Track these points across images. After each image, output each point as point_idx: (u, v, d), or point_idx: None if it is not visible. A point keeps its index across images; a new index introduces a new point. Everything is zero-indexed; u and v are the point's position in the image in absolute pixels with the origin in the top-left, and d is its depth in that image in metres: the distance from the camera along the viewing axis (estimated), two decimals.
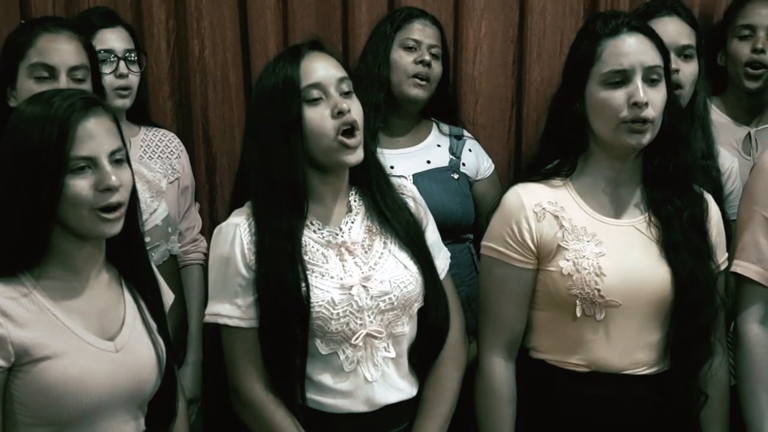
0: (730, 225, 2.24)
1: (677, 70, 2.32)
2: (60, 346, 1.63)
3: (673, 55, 2.29)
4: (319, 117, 1.86)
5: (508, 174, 2.78)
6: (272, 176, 1.88)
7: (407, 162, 2.56)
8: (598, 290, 1.88)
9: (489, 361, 2.01)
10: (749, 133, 2.64)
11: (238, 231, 1.90)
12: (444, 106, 2.68)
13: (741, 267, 2.06)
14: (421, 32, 2.55)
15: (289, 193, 1.88)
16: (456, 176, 2.59)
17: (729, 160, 2.46)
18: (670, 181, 1.96)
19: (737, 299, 2.09)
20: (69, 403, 1.62)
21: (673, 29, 2.35)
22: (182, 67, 2.78)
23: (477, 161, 2.65)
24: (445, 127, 2.68)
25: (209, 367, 2.51)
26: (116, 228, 1.68)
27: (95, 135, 1.65)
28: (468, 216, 2.57)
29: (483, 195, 2.58)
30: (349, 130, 1.87)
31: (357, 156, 1.89)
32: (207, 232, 2.62)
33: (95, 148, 1.64)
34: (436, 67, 2.56)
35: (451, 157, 2.61)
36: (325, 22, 2.78)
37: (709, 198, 2.04)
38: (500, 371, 2.00)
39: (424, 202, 2.09)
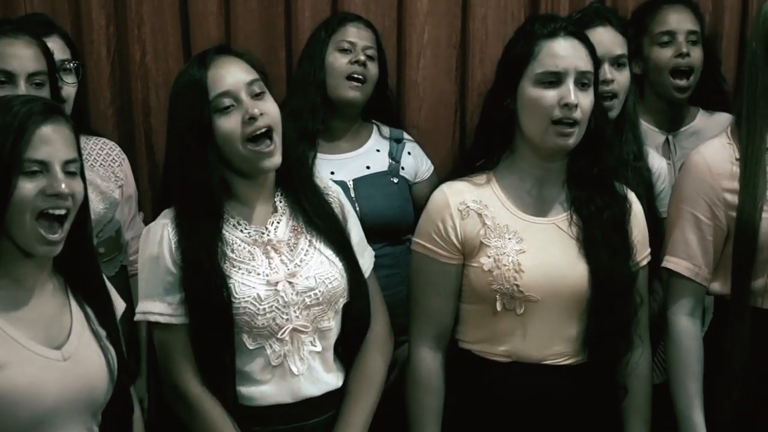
0: (662, 222, 2.29)
1: (612, 80, 2.36)
2: (6, 357, 1.60)
3: (607, 65, 2.36)
4: (229, 126, 1.88)
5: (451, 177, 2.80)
6: (188, 182, 1.91)
7: (347, 168, 2.58)
8: (517, 286, 1.94)
9: (417, 351, 2.06)
10: (668, 138, 2.68)
11: (165, 230, 1.92)
12: (384, 109, 2.70)
13: (671, 263, 2.12)
14: (355, 34, 2.57)
15: (205, 199, 1.90)
16: (395, 180, 2.61)
17: (658, 161, 2.51)
18: (594, 182, 2.02)
19: (668, 294, 2.15)
20: (19, 413, 1.59)
21: (608, 39, 2.38)
22: (123, 73, 2.76)
23: (416, 164, 2.67)
24: (386, 130, 2.70)
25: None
26: (56, 250, 1.67)
27: (52, 141, 1.63)
28: (407, 218, 2.59)
29: (423, 197, 2.55)
30: (263, 134, 1.89)
31: (273, 161, 1.91)
32: None
33: (50, 153, 1.62)
34: (372, 68, 2.58)
35: (390, 161, 2.64)
36: (268, 27, 2.79)
37: (633, 198, 2.09)
38: (428, 362, 2.06)
39: (347, 202, 2.12)
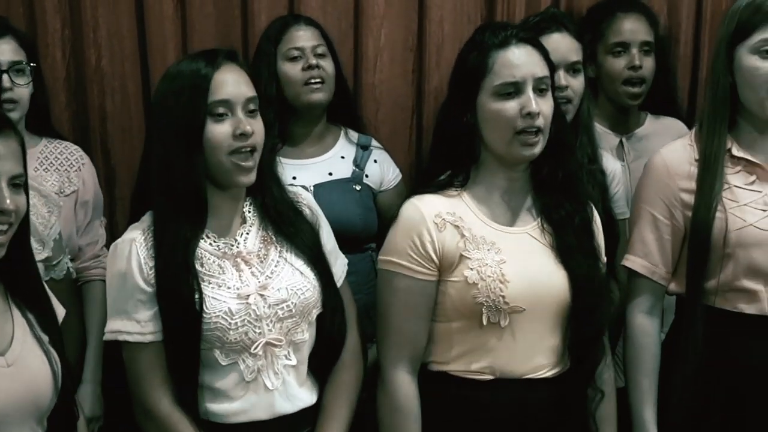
0: (617, 224, 2.32)
1: (566, 86, 2.38)
2: None
3: (562, 71, 2.37)
4: (220, 134, 1.85)
5: (411, 182, 2.79)
6: (173, 186, 1.86)
7: (308, 173, 2.55)
8: (503, 297, 1.90)
9: (393, 376, 1.98)
10: (621, 141, 2.71)
11: (134, 246, 1.88)
12: (345, 106, 2.67)
13: (629, 261, 2.15)
14: (300, 38, 2.54)
15: (190, 205, 1.87)
16: (358, 188, 2.59)
17: (612, 163, 2.53)
18: (560, 188, 2.00)
19: (628, 292, 2.19)
20: None
21: (564, 46, 2.40)
22: (78, 76, 2.74)
23: (382, 172, 2.65)
24: (354, 136, 2.67)
25: (109, 385, 2.47)
26: None
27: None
28: (369, 227, 2.58)
29: (389, 206, 2.56)
30: (248, 152, 1.87)
31: (250, 178, 1.89)
32: (108, 245, 2.57)
33: None
34: (327, 65, 2.55)
35: (354, 168, 2.61)
36: (225, 31, 2.77)
37: (591, 203, 2.11)
38: (406, 386, 1.98)
39: (319, 210, 2.09)
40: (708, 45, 2.86)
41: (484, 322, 1.91)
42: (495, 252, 1.93)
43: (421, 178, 2.11)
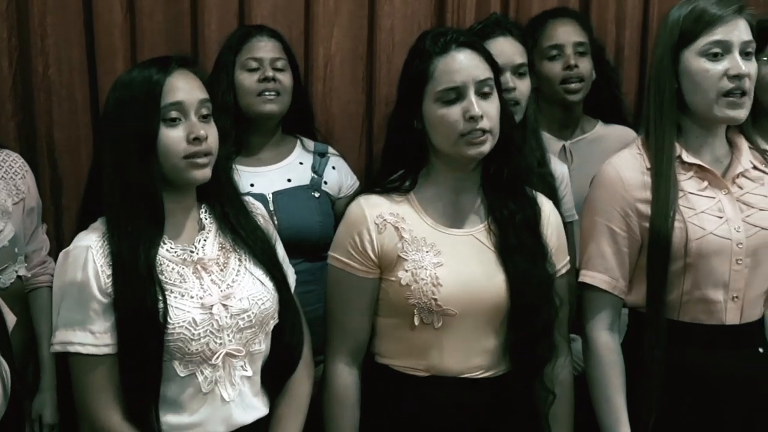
0: (566, 227, 2.30)
1: (514, 88, 2.39)
2: None
3: (509, 74, 2.38)
4: (173, 138, 1.83)
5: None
6: (128, 193, 1.83)
7: (267, 180, 2.54)
8: (435, 300, 1.91)
9: (333, 367, 2.03)
10: (564, 146, 2.73)
11: (90, 254, 1.81)
12: (302, 118, 2.67)
13: (588, 277, 2.10)
14: (261, 49, 2.54)
15: (145, 212, 1.83)
16: (317, 194, 2.58)
17: (560, 167, 2.55)
18: (505, 186, 2.01)
19: (585, 308, 2.13)
20: None
21: (509, 49, 2.41)
22: (25, 85, 2.70)
23: (340, 179, 2.64)
24: (310, 144, 2.66)
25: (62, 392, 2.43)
26: None
27: None
28: (328, 234, 2.51)
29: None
30: (201, 155, 1.85)
31: (204, 173, 1.87)
32: (54, 254, 2.53)
33: None
34: (285, 79, 2.55)
35: (312, 175, 2.60)
36: (175, 39, 2.76)
37: (546, 202, 2.10)
38: (344, 377, 2.02)
39: (269, 220, 2.09)
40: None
41: (416, 323, 1.94)
42: (434, 254, 1.95)
43: (373, 181, 2.11)
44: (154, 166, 1.82)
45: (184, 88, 1.85)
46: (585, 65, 2.69)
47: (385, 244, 1.96)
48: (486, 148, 1.93)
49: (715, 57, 2.00)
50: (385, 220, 1.97)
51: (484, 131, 1.91)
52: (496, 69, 2.01)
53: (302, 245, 2.41)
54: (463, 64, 1.93)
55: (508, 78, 2.38)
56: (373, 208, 1.98)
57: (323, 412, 2.05)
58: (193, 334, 1.81)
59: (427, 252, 1.95)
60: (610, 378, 2.07)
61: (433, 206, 2.00)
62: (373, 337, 2.04)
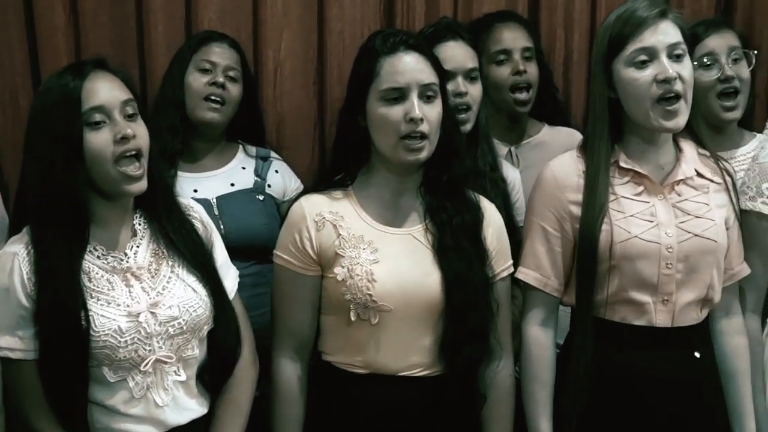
0: (519, 231, 2.33)
1: (465, 93, 2.41)
2: None
3: (460, 78, 2.40)
4: (100, 142, 1.82)
5: None
6: (51, 201, 1.82)
7: (210, 185, 2.53)
8: (370, 295, 1.96)
9: (278, 362, 2.08)
10: (510, 150, 2.74)
11: (16, 261, 1.83)
12: (250, 129, 2.67)
13: (522, 273, 2.16)
14: (218, 54, 2.54)
15: (69, 220, 1.83)
16: (261, 198, 2.58)
17: (512, 171, 2.57)
18: (445, 190, 2.05)
19: (524, 304, 2.19)
20: None
21: (460, 53, 2.43)
22: None
23: (284, 182, 2.65)
24: (252, 149, 2.67)
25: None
26: None
27: None
28: (275, 237, 2.52)
29: None
30: (133, 157, 1.84)
31: (140, 186, 1.86)
32: None
33: None
34: (233, 89, 2.55)
35: (256, 178, 2.61)
36: (121, 42, 2.72)
37: (489, 206, 2.13)
38: (288, 373, 2.07)
39: (212, 223, 2.09)
40: None
41: (353, 318, 1.97)
42: (371, 251, 1.99)
43: (319, 177, 2.17)
44: (80, 173, 1.82)
45: (104, 91, 1.85)
46: (532, 70, 2.71)
47: (323, 241, 2.01)
48: (423, 155, 1.97)
49: (642, 64, 2.02)
50: (323, 218, 2.02)
51: (422, 136, 1.95)
52: (443, 75, 2.04)
53: (251, 248, 2.42)
54: (409, 66, 1.97)
55: (459, 82, 2.39)
56: (313, 206, 2.03)
57: (270, 406, 2.10)
58: (120, 342, 1.82)
59: (364, 249, 1.99)
60: (537, 372, 2.14)
61: (373, 204, 2.05)
62: (319, 335, 2.08)
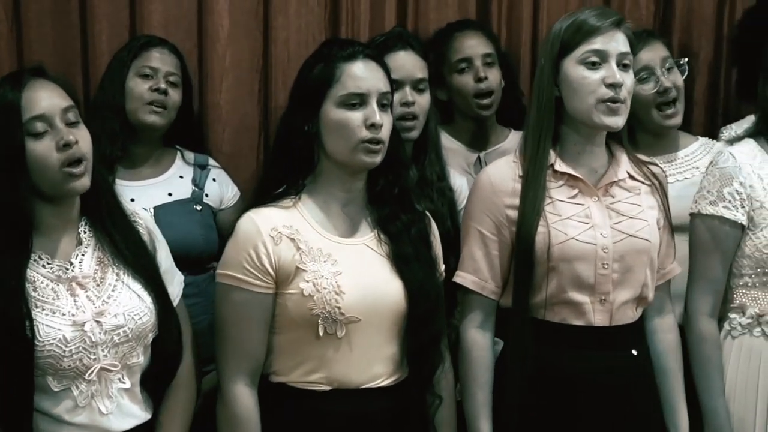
0: None
1: (413, 102, 2.44)
2: None
3: (408, 88, 2.43)
4: (43, 151, 1.81)
5: None
6: None
7: (147, 194, 2.53)
8: (339, 308, 1.93)
9: (232, 389, 1.98)
10: (479, 157, 2.78)
11: None
12: (188, 134, 2.67)
13: (460, 278, 2.18)
14: (158, 60, 2.54)
15: (13, 229, 1.82)
16: (198, 208, 2.59)
17: (459, 180, 2.60)
18: (396, 200, 2.06)
19: (461, 307, 2.22)
20: None
21: (409, 63, 2.46)
22: None
23: (221, 191, 2.65)
24: (190, 156, 2.67)
25: None
26: None
27: None
28: (211, 246, 2.56)
29: (228, 224, 2.49)
30: (75, 162, 1.83)
31: (83, 183, 1.85)
32: None
33: None
34: (174, 95, 2.55)
35: (193, 188, 2.61)
36: (64, 50, 2.70)
37: (428, 215, 2.16)
38: (244, 398, 1.98)
39: (157, 230, 2.08)
40: None
41: (321, 333, 1.94)
42: (331, 264, 1.96)
43: (258, 188, 2.12)
44: (24, 183, 1.81)
45: (44, 99, 1.84)
46: (494, 76, 2.74)
47: (282, 256, 1.95)
48: (379, 158, 1.98)
49: (593, 65, 2.07)
50: (279, 232, 1.96)
51: (379, 141, 1.96)
52: (393, 88, 2.06)
53: (186, 259, 2.39)
54: (369, 74, 1.98)
55: (407, 92, 2.43)
56: (266, 221, 1.97)
57: None
58: (65, 351, 1.81)
59: (324, 261, 1.96)
60: (476, 374, 2.16)
61: (322, 215, 2.02)
62: (267, 356, 2.01)
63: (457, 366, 2.19)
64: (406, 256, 2.02)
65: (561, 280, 2.10)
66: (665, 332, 2.27)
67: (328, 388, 1.97)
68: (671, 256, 2.27)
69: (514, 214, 2.12)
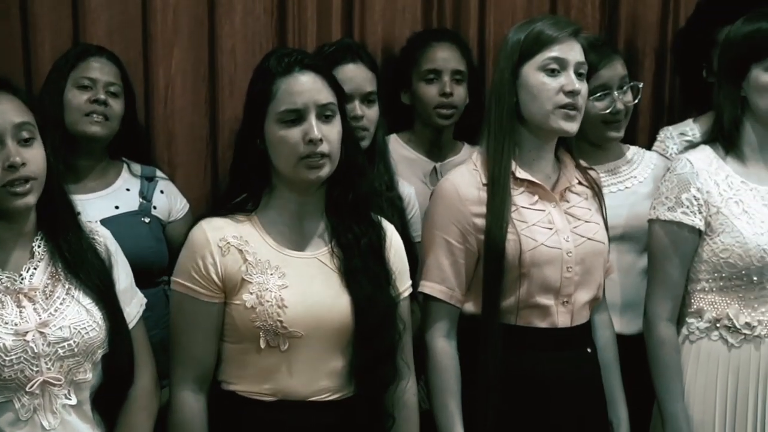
0: (415, 246, 2.37)
1: (362, 116, 2.44)
2: None
3: (357, 102, 2.43)
4: None
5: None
6: None
7: (94, 207, 2.48)
8: (281, 322, 1.92)
9: (179, 395, 2.00)
10: (435, 167, 2.79)
11: None
12: (134, 146, 2.64)
13: (427, 287, 2.20)
14: (97, 70, 2.50)
15: None
16: (147, 220, 2.55)
17: (407, 188, 2.61)
18: (350, 211, 2.05)
19: (425, 317, 2.22)
20: None
21: (359, 76, 2.46)
22: None
23: (169, 203, 2.62)
24: (137, 168, 2.63)
25: None
26: None
27: None
28: (161, 259, 2.53)
29: (178, 236, 2.50)
30: (20, 181, 1.80)
31: (26, 202, 1.83)
32: None
33: None
34: (115, 105, 2.51)
35: (141, 200, 2.57)
36: (5, 60, 2.64)
37: (389, 227, 2.14)
38: (191, 404, 1.99)
39: (118, 248, 2.05)
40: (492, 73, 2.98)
41: (263, 346, 1.94)
42: (278, 277, 1.96)
43: (217, 201, 2.12)
44: None
45: None
46: (460, 93, 2.76)
47: (228, 267, 1.95)
48: (324, 172, 1.96)
49: (552, 72, 2.12)
50: (228, 243, 1.96)
51: (322, 155, 1.94)
52: (341, 93, 2.04)
53: (136, 271, 2.36)
54: (306, 87, 1.96)
55: (356, 106, 2.43)
56: (216, 231, 1.98)
57: None
58: (5, 361, 1.78)
59: (271, 274, 1.96)
60: (446, 383, 2.18)
61: (277, 228, 2.01)
62: (219, 364, 2.02)
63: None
64: (355, 270, 2.01)
65: (530, 285, 2.14)
66: (603, 328, 2.35)
67: (274, 399, 1.97)
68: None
69: (480, 222, 2.14)
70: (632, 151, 2.74)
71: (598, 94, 2.56)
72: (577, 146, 2.50)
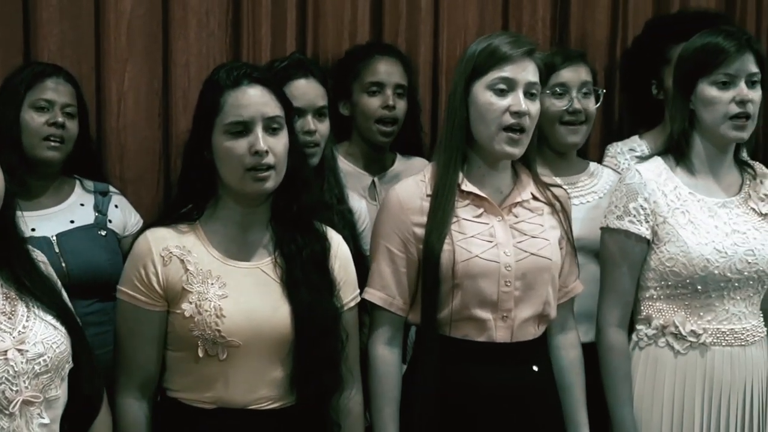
0: (366, 259, 2.37)
1: (315, 131, 2.45)
2: None
3: (310, 116, 2.44)
4: None
5: None
6: None
7: (49, 223, 2.47)
8: (219, 331, 1.93)
9: (123, 401, 2.02)
10: (373, 181, 2.81)
11: None
12: (87, 162, 2.63)
13: (368, 294, 2.21)
14: (53, 91, 2.48)
15: None
16: (103, 233, 2.54)
17: (357, 202, 2.62)
18: (294, 221, 2.06)
19: (370, 324, 2.24)
20: None
21: (311, 91, 2.48)
22: None
23: (124, 217, 2.62)
24: (89, 184, 2.62)
25: None
26: None
27: None
28: (118, 272, 2.44)
29: None
30: None
31: None
32: None
33: None
34: (72, 127, 2.51)
35: (96, 214, 2.57)
36: None
37: (335, 237, 2.15)
38: (133, 411, 2.02)
39: (52, 270, 2.01)
40: (445, 89, 3.03)
41: (201, 355, 1.95)
42: (219, 287, 1.97)
43: (164, 211, 2.14)
44: None
45: None
46: (401, 107, 2.78)
47: (170, 276, 1.98)
48: (270, 184, 1.98)
49: (501, 92, 2.13)
50: (170, 252, 1.99)
51: (268, 167, 1.96)
52: (289, 107, 2.06)
53: (94, 285, 2.38)
54: (253, 100, 1.98)
55: (309, 120, 2.44)
56: (159, 240, 2.00)
57: None
58: None
59: (212, 284, 1.97)
60: (384, 390, 2.19)
61: (220, 238, 2.03)
62: (164, 371, 2.04)
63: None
64: (296, 280, 2.02)
65: (465, 297, 2.14)
66: (567, 348, 2.33)
67: (214, 406, 1.98)
68: (574, 274, 2.33)
69: (421, 231, 2.16)
70: (594, 165, 2.78)
71: (557, 90, 2.60)
72: (541, 154, 2.54)
